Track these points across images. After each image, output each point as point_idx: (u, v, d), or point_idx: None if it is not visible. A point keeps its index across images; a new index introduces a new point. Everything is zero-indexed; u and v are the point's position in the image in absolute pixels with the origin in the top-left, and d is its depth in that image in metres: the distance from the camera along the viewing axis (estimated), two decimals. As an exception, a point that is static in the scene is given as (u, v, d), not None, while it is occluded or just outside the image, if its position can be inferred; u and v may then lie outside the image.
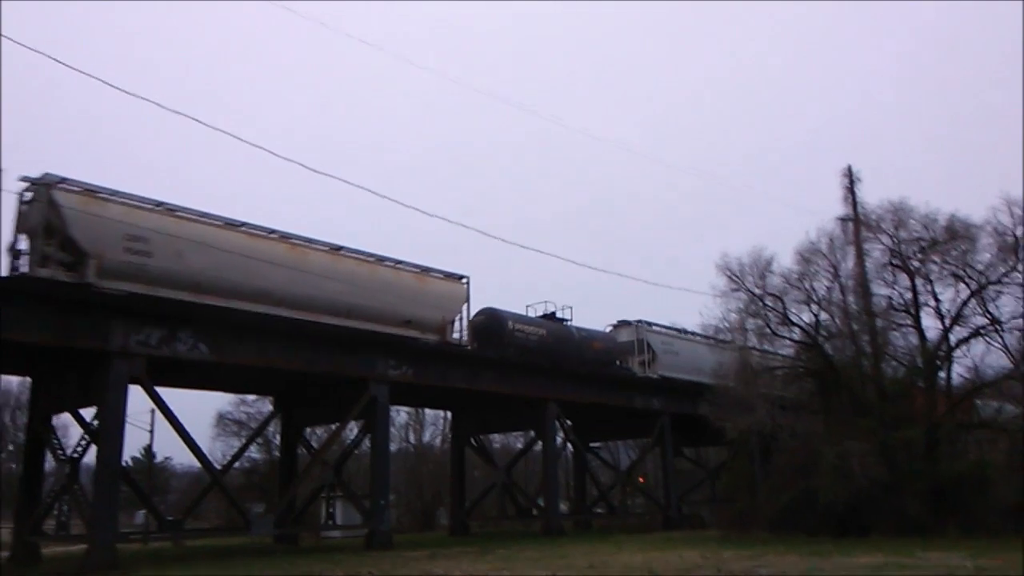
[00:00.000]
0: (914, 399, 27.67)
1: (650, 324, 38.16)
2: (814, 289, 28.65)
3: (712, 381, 34.86)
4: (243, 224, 24.14)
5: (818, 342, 28.50)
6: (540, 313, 34.49)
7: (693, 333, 39.33)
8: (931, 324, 27.48)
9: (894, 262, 27.87)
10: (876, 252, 28.36)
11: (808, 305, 28.75)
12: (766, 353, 30.28)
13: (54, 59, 12.54)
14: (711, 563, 16.44)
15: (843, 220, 29.40)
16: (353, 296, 25.66)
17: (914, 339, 28.01)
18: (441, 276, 29.20)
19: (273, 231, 24.84)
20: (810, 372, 29.33)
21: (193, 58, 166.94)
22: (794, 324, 28.78)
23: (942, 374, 27.44)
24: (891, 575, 12.45)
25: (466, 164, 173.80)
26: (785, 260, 29.87)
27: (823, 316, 28.77)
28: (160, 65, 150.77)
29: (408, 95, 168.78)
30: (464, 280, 29.82)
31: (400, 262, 28.11)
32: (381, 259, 27.50)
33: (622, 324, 38.02)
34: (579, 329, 34.63)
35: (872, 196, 29.67)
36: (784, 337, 29.33)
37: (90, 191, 20.76)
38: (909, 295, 27.62)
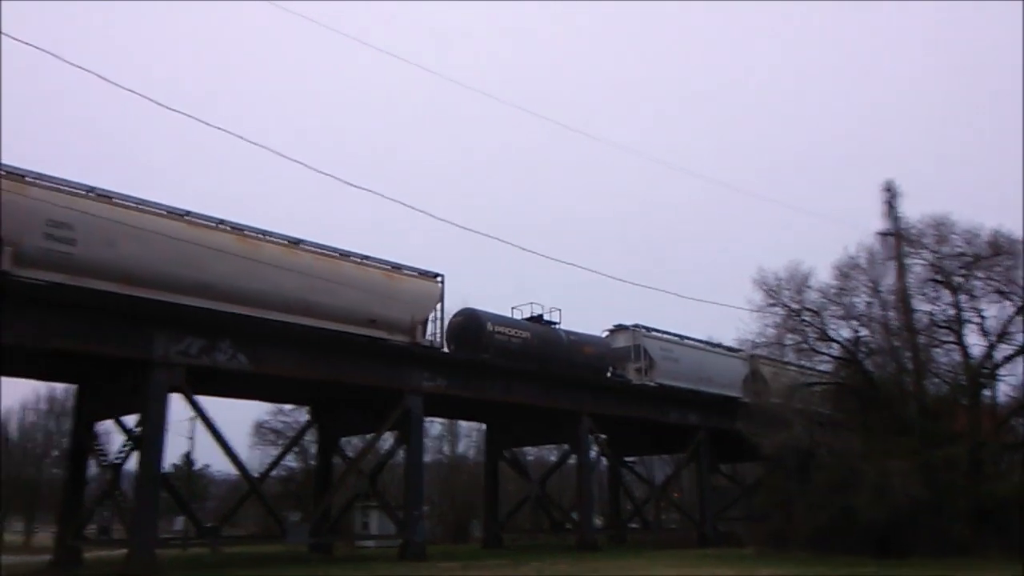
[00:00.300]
0: (957, 417, 27.07)
1: (648, 329, 36.47)
2: (853, 305, 28.31)
3: (715, 391, 33.81)
4: (188, 213, 22.67)
5: (858, 358, 28.08)
6: (528, 315, 32.85)
7: (697, 340, 38.14)
8: (975, 341, 26.98)
9: (936, 278, 27.41)
10: (917, 267, 27.99)
11: (847, 321, 28.41)
12: (803, 369, 29.84)
13: (53, 55, 12.71)
14: (745, 581, 16.27)
15: (883, 235, 28.97)
16: (311, 292, 24.21)
17: (957, 356, 27.46)
18: (414, 274, 27.82)
19: (223, 222, 23.33)
20: (849, 389, 28.87)
21: (188, 62, 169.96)
22: (833, 340, 28.39)
23: (986, 392, 26.84)
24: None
25: (480, 171, 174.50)
26: (822, 275, 29.54)
27: (863, 332, 28.37)
28: (161, 70, 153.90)
29: (414, 99, 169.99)
30: (439, 279, 28.46)
31: (367, 258, 26.66)
32: (345, 254, 26.08)
33: (619, 329, 36.24)
34: (569, 333, 32.89)
35: (912, 210, 29.03)
36: (823, 353, 28.95)
37: (11, 173, 19.45)
38: (952, 311, 27.13)
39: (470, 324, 29.63)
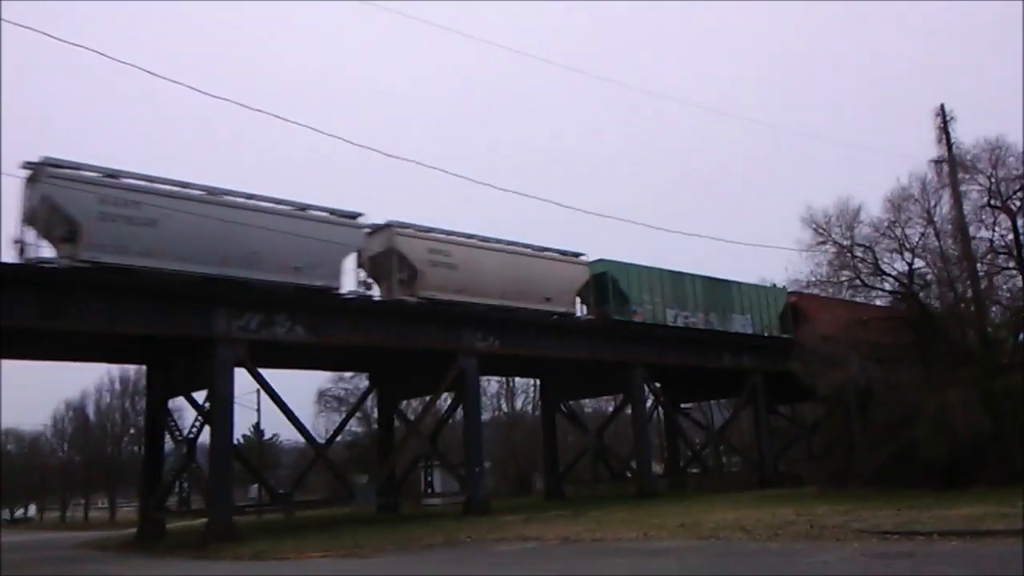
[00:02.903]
0: (1018, 345, 26.48)
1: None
2: (907, 237, 27.66)
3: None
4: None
5: (913, 291, 27.55)
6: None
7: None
8: (1037, 265, 26.18)
9: (993, 203, 26.64)
10: (973, 194, 27.15)
11: (901, 253, 27.81)
12: (856, 304, 29.37)
13: (61, 40, 13.20)
14: (804, 519, 16.39)
15: (936, 162, 28.06)
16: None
17: (1019, 282, 26.78)
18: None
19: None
20: (906, 322, 28.40)
21: (189, 60, 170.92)
22: (887, 274, 27.90)
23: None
24: (987, 527, 12.19)
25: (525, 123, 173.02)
26: (873, 210, 28.92)
27: (918, 264, 27.79)
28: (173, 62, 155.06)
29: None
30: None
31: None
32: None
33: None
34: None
35: (965, 136, 28.00)
36: (877, 288, 28.50)
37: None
38: (1011, 236, 26.38)
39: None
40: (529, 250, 30.26)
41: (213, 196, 22.71)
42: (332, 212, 25.28)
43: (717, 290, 36.02)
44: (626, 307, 31.97)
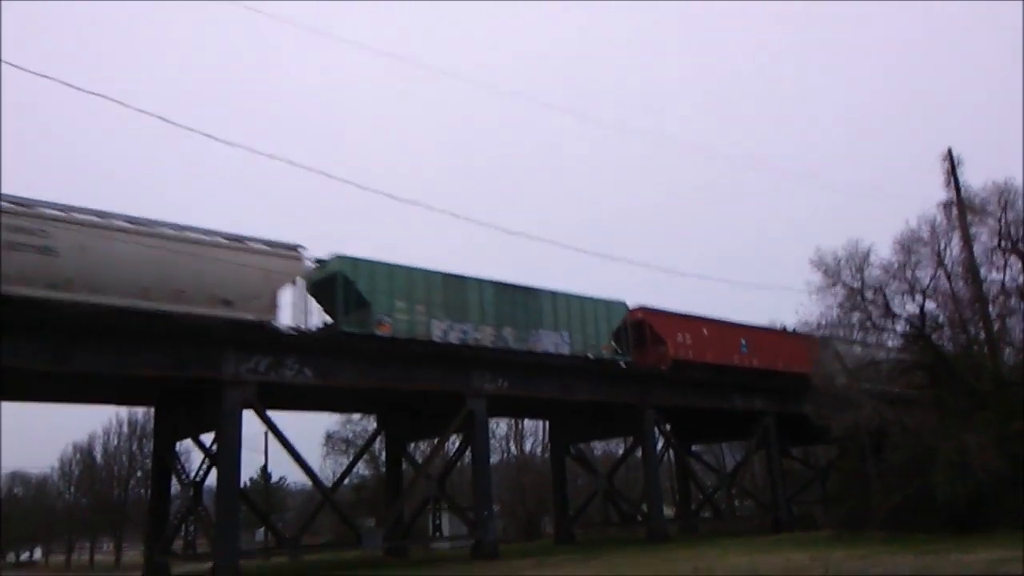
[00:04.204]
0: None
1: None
2: (917, 279, 27.60)
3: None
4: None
5: (925, 333, 27.38)
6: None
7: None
8: (1049, 307, 26.05)
9: (1003, 245, 26.60)
10: (983, 236, 27.18)
11: (912, 296, 27.72)
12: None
13: (42, 75, 13.32)
14: (819, 564, 16.09)
15: (945, 205, 28.12)
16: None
17: (1031, 324, 26.60)
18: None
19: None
20: (919, 364, 28.17)
21: (173, 68, 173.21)
22: (898, 316, 27.76)
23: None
24: (1007, 571, 11.90)
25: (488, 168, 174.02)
26: (882, 252, 28.87)
27: (930, 306, 27.66)
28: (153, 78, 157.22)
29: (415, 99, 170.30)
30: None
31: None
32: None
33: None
34: None
35: (973, 179, 28.13)
36: (888, 330, 28.33)
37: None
38: (1022, 278, 26.33)
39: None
40: (201, 236, 22.45)
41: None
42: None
43: (516, 300, 28.89)
44: (368, 317, 24.78)
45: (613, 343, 31.45)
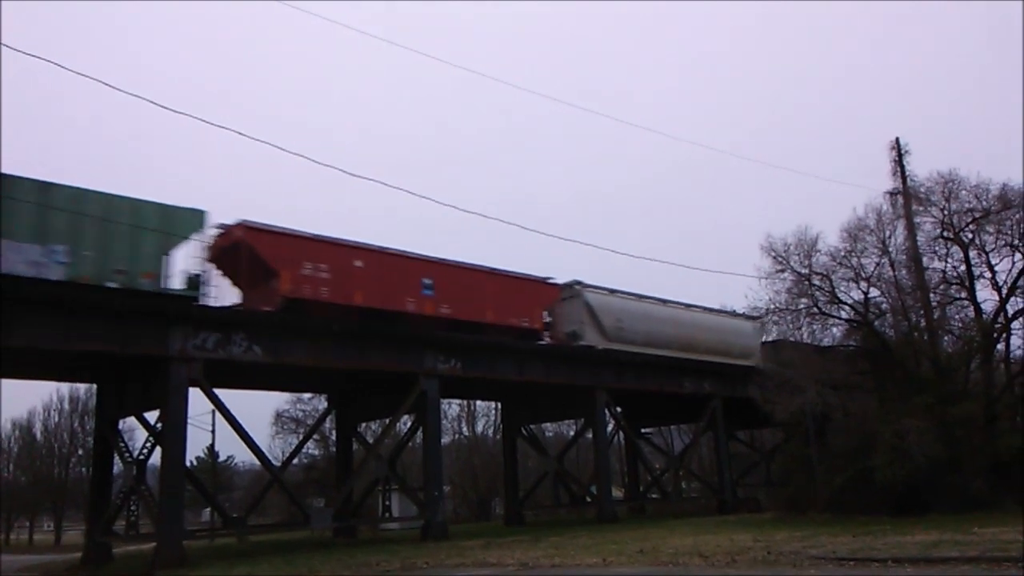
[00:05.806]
0: (971, 374, 27.05)
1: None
2: (863, 266, 28.18)
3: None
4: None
5: (868, 320, 28.04)
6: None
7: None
8: (987, 296, 26.90)
9: (946, 234, 27.28)
10: (927, 225, 27.80)
11: (857, 283, 28.31)
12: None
13: (52, 62, 12.94)
14: (762, 545, 16.40)
15: (891, 194, 28.75)
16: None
17: (970, 312, 27.40)
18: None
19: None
20: (862, 350, 28.85)
21: (170, 57, 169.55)
22: (843, 303, 28.36)
23: (1000, 347, 26.79)
24: (941, 554, 12.31)
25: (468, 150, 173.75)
26: (831, 239, 29.43)
27: (874, 293, 28.30)
28: (154, 67, 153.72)
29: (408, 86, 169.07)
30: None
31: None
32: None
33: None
34: None
35: (920, 168, 28.82)
36: (834, 316, 28.92)
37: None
38: (963, 267, 27.02)
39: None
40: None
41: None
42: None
43: None
44: None
45: (170, 270, 21.94)
